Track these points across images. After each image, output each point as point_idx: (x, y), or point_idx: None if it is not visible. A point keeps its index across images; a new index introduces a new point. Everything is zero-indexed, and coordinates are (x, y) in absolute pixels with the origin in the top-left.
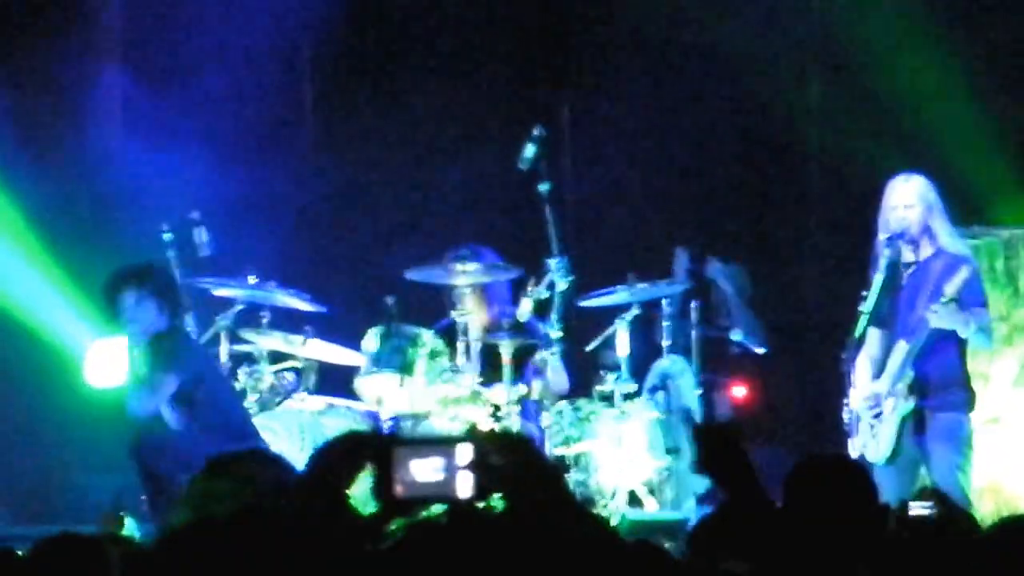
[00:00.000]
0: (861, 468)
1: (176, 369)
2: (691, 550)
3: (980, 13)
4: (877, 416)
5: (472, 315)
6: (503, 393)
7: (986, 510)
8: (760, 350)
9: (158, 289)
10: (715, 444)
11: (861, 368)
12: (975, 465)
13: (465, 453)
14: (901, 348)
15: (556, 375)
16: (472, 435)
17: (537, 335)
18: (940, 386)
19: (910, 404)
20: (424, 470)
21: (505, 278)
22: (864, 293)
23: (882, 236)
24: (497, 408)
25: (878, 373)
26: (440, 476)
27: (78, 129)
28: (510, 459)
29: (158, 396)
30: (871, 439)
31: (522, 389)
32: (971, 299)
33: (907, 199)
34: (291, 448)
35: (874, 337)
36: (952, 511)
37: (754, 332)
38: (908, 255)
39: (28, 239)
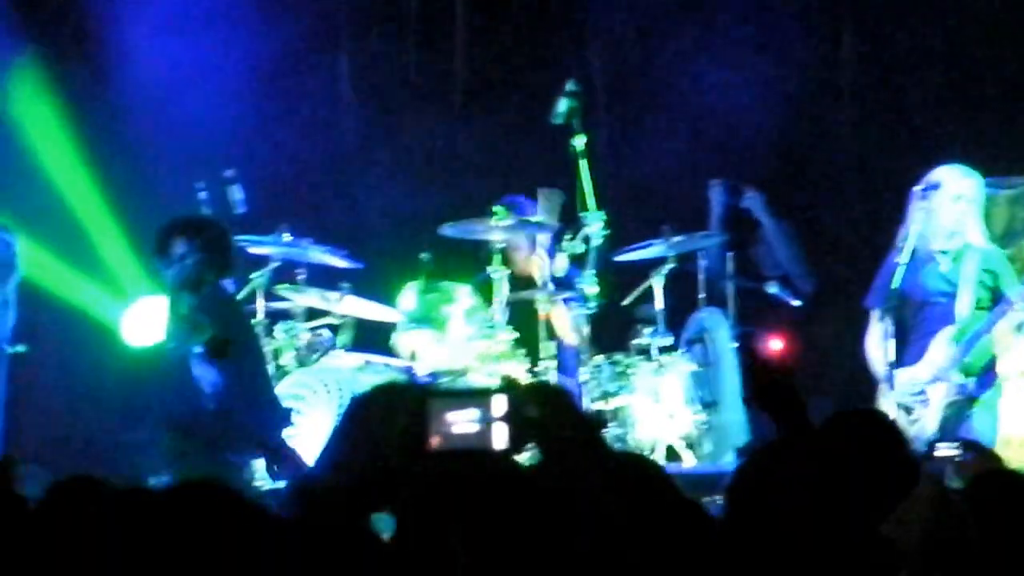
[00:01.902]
0: (893, 423)
1: (214, 318)
2: (728, 502)
3: None
4: (921, 403)
5: (517, 268)
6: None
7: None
8: (796, 302)
9: (209, 244)
10: (766, 378)
11: (877, 348)
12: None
13: (500, 405)
14: (947, 333)
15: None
16: (508, 387)
17: (574, 289)
18: (985, 366)
19: (969, 387)
20: (459, 422)
21: (540, 233)
22: (900, 243)
23: (918, 188)
24: (535, 362)
25: (896, 357)
26: (475, 428)
27: (110, 87)
28: (546, 411)
29: (195, 332)
30: (907, 425)
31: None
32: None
33: (966, 191)
34: (328, 405)
35: (883, 320)
36: (985, 452)
37: (796, 263)
38: (941, 243)
39: (63, 198)
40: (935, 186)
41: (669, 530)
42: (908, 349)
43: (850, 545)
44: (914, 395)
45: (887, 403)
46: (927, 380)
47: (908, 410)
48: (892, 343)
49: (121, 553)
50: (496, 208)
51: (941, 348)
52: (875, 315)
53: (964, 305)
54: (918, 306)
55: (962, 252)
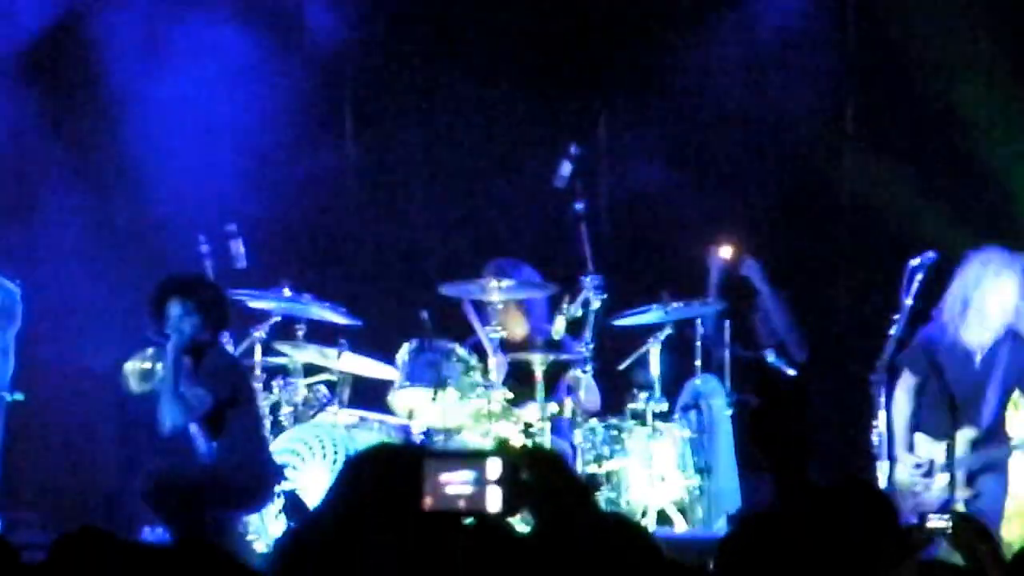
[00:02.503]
0: (886, 496)
1: (212, 387)
2: (718, 567)
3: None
4: (926, 481)
5: (508, 330)
6: (535, 410)
7: (1014, 535)
8: (792, 372)
9: (205, 304)
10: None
11: (901, 409)
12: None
13: (495, 467)
14: (967, 436)
15: (588, 394)
16: (503, 449)
17: (570, 353)
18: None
19: (967, 493)
20: (454, 483)
21: (539, 295)
22: (895, 317)
23: (915, 262)
24: (529, 424)
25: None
26: (470, 489)
27: (112, 139)
28: (540, 474)
29: (192, 412)
30: (911, 495)
31: (554, 407)
32: None
33: (1010, 275)
34: (323, 462)
35: (911, 381)
36: (976, 525)
37: (792, 331)
38: (979, 336)
39: (66, 249)
40: (933, 259)
41: None
42: (928, 417)
43: None
44: (922, 472)
45: (894, 469)
46: (939, 465)
47: (914, 483)
48: (912, 407)
49: None
50: (498, 268)
51: (962, 447)
52: (905, 375)
53: (994, 396)
54: (947, 377)
55: (1001, 337)
